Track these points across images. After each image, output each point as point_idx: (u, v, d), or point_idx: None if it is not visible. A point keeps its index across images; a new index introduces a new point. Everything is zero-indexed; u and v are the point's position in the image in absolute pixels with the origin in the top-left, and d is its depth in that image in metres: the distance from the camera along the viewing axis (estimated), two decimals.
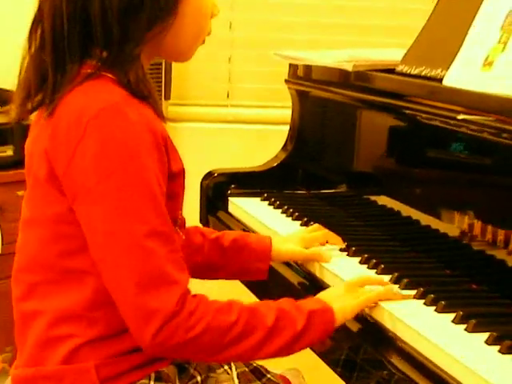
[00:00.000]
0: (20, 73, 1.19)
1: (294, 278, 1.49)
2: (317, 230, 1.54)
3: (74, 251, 1.15)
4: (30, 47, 1.18)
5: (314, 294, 1.28)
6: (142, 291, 1.08)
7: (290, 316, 1.17)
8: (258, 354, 1.16)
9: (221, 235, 1.47)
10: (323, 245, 1.51)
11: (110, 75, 1.14)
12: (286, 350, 1.18)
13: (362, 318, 1.26)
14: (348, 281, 1.32)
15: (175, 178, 1.18)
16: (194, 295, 1.13)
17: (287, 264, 1.51)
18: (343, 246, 1.50)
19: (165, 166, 1.14)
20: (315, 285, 1.42)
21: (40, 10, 1.16)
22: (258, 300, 1.53)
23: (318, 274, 1.45)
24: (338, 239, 1.51)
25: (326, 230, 1.53)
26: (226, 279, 1.49)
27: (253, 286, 1.62)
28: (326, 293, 1.29)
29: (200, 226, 1.53)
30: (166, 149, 1.14)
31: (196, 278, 1.36)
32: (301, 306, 1.20)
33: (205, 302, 1.13)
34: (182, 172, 1.21)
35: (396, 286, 1.29)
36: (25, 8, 1.20)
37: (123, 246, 1.09)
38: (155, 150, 1.12)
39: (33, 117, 1.22)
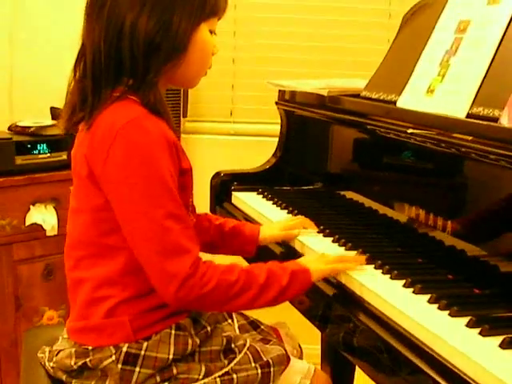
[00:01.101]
0: (67, 95, 1.19)
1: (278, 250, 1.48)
2: (295, 220, 1.51)
3: (109, 232, 1.15)
4: (75, 75, 1.17)
5: None
6: (163, 259, 1.08)
7: (277, 275, 1.17)
8: (255, 305, 1.15)
9: (223, 222, 1.46)
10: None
11: (134, 97, 1.14)
12: (274, 302, 1.17)
13: (335, 283, 1.26)
14: (326, 253, 1.31)
15: (185, 173, 1.18)
16: (205, 261, 1.13)
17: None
18: (316, 229, 1.49)
19: (176, 163, 1.14)
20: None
21: (83, 46, 1.16)
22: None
23: (299, 250, 1.44)
24: (312, 224, 1.50)
25: (303, 218, 1.51)
26: (224, 255, 1.48)
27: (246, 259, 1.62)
28: (304, 258, 1.29)
29: (209, 213, 1.52)
30: (176, 151, 1.14)
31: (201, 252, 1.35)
32: (285, 267, 1.20)
33: (213, 266, 1.13)
34: (190, 169, 1.20)
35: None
36: (71, 43, 1.18)
37: (147, 225, 1.09)
38: (168, 152, 1.11)
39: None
